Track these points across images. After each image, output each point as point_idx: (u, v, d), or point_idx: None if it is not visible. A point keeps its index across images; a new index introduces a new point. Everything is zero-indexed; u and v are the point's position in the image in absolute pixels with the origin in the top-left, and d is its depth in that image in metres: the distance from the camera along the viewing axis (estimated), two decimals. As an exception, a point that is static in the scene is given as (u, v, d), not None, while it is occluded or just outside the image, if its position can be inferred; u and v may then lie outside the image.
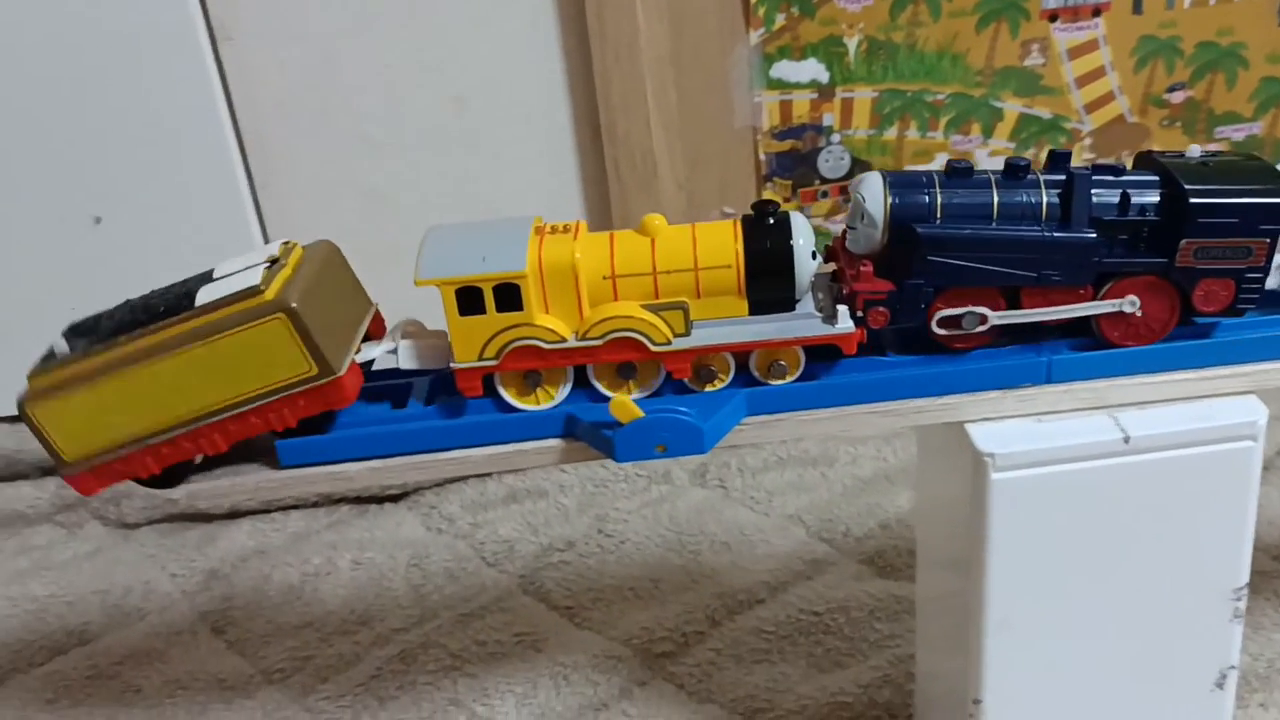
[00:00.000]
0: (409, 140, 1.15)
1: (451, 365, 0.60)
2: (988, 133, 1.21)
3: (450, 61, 1.14)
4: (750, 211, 0.61)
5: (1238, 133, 1.22)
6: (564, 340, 0.60)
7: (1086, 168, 0.60)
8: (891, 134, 1.20)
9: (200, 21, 1.10)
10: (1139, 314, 0.61)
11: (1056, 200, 0.60)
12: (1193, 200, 0.58)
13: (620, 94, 1.11)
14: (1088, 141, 1.22)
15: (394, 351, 0.63)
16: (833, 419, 0.61)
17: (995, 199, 0.60)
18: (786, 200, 1.22)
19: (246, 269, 0.60)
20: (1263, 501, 0.62)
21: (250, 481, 0.61)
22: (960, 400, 0.61)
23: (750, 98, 1.17)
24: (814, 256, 0.60)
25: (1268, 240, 0.59)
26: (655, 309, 0.59)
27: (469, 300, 0.58)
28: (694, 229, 0.60)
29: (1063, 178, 0.60)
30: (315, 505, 1.18)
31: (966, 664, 0.65)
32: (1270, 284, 0.62)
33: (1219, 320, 0.62)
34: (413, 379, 0.65)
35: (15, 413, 1.23)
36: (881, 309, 0.60)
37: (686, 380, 0.61)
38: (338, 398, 0.59)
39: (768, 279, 0.60)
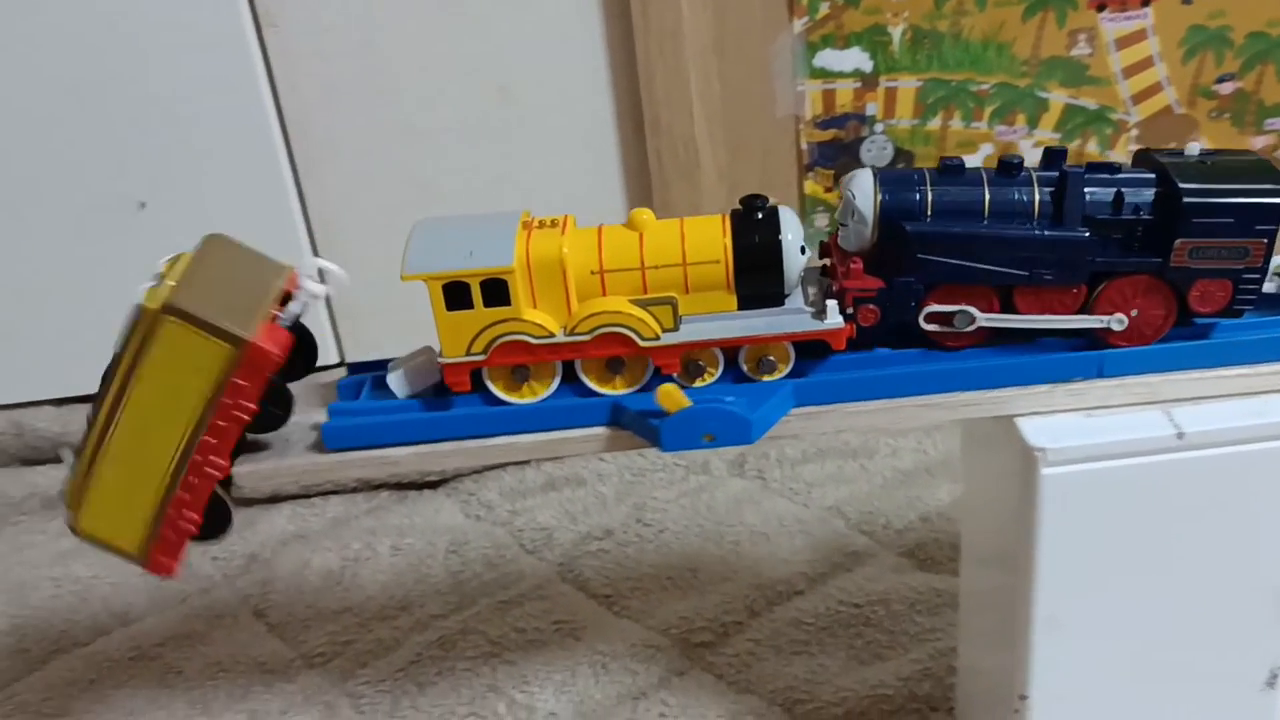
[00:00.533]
0: (452, 129, 1.15)
1: (439, 360, 0.60)
2: (1033, 123, 1.20)
3: (494, 50, 1.13)
4: (740, 206, 0.61)
5: (1288, 125, 1.21)
6: (552, 335, 0.60)
7: (1080, 165, 0.59)
8: (935, 124, 1.19)
9: (245, 9, 1.11)
10: (1133, 315, 0.60)
11: (1049, 198, 0.59)
12: (1187, 199, 0.57)
13: (663, 83, 1.11)
14: (1134, 133, 1.21)
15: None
16: (880, 411, 0.61)
17: (987, 196, 0.59)
18: (828, 190, 1.21)
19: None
20: (1317, 499, 0.61)
21: (297, 465, 0.62)
22: (1010, 394, 0.60)
23: (793, 87, 1.16)
24: (803, 251, 0.60)
25: (1265, 240, 0.58)
26: (643, 304, 0.59)
27: (456, 295, 0.58)
28: (682, 223, 0.60)
29: (1056, 175, 0.59)
30: (354, 491, 1.18)
31: (1013, 660, 0.64)
32: (1268, 288, 0.61)
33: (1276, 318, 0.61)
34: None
35: (59, 395, 1.25)
36: (871, 306, 0.60)
37: (675, 375, 0.61)
38: (266, 361, 0.59)
39: (756, 274, 0.59)
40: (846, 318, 0.60)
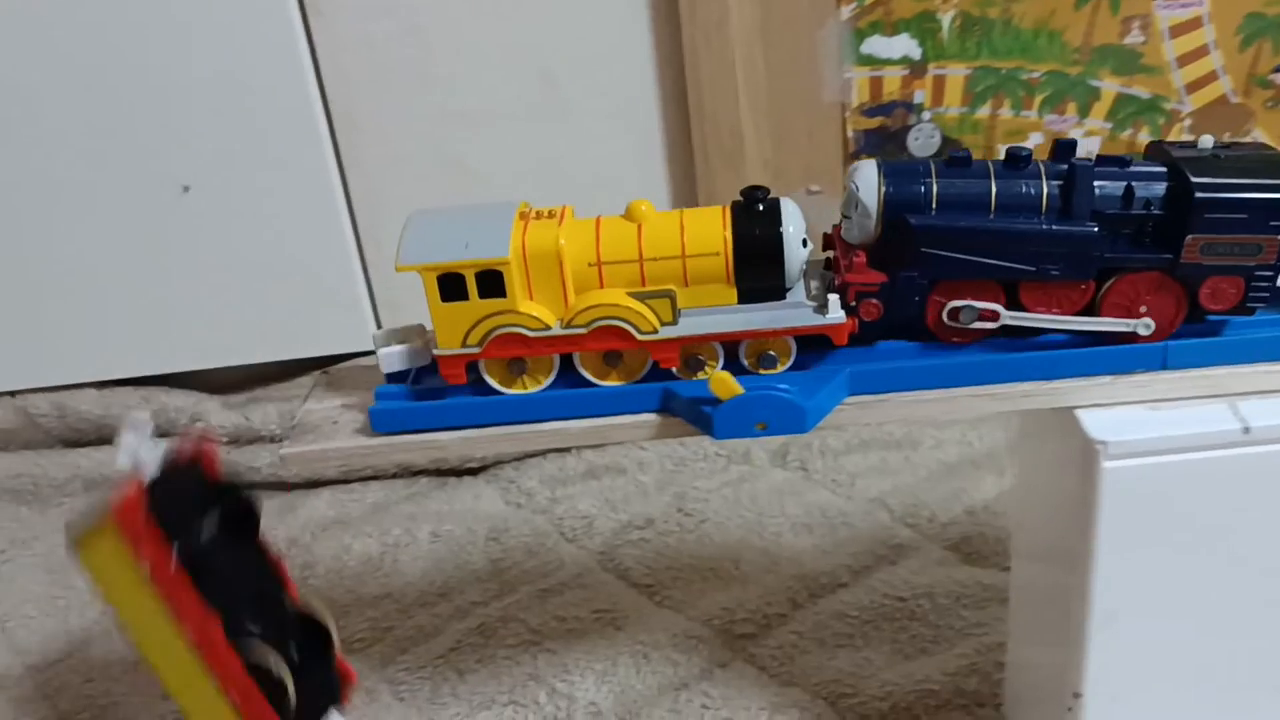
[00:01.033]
0: (496, 115, 1.15)
1: (434, 352, 0.60)
2: (1084, 112, 1.18)
3: (538, 36, 1.13)
4: (741, 198, 0.60)
5: (1346, 116, 1.18)
6: (548, 328, 0.59)
7: (1089, 159, 0.58)
8: (984, 112, 1.17)
9: (291, -6, 1.11)
10: (1143, 311, 0.59)
11: (1057, 192, 0.58)
12: (1199, 194, 0.56)
13: (709, 70, 1.10)
14: (1187, 123, 1.18)
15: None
16: (937, 401, 0.60)
17: (993, 189, 0.58)
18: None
19: None
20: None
21: (343, 448, 0.61)
22: (1070, 385, 0.59)
23: (840, 74, 1.15)
24: (804, 244, 0.59)
25: (1279, 237, 0.56)
26: (641, 296, 0.58)
27: (451, 286, 0.57)
28: (682, 215, 0.59)
29: (1064, 168, 0.58)
30: (394, 477, 1.18)
31: (1067, 656, 0.63)
32: None
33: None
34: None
35: (101, 378, 1.25)
36: (874, 301, 0.59)
37: (675, 369, 0.60)
38: (131, 514, 0.58)
39: (756, 267, 0.58)
40: (849, 312, 0.59)
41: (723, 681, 0.86)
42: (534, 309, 0.59)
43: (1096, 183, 0.58)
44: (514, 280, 0.57)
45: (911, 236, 0.58)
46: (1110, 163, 0.58)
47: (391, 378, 0.63)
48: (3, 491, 1.21)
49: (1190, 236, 0.57)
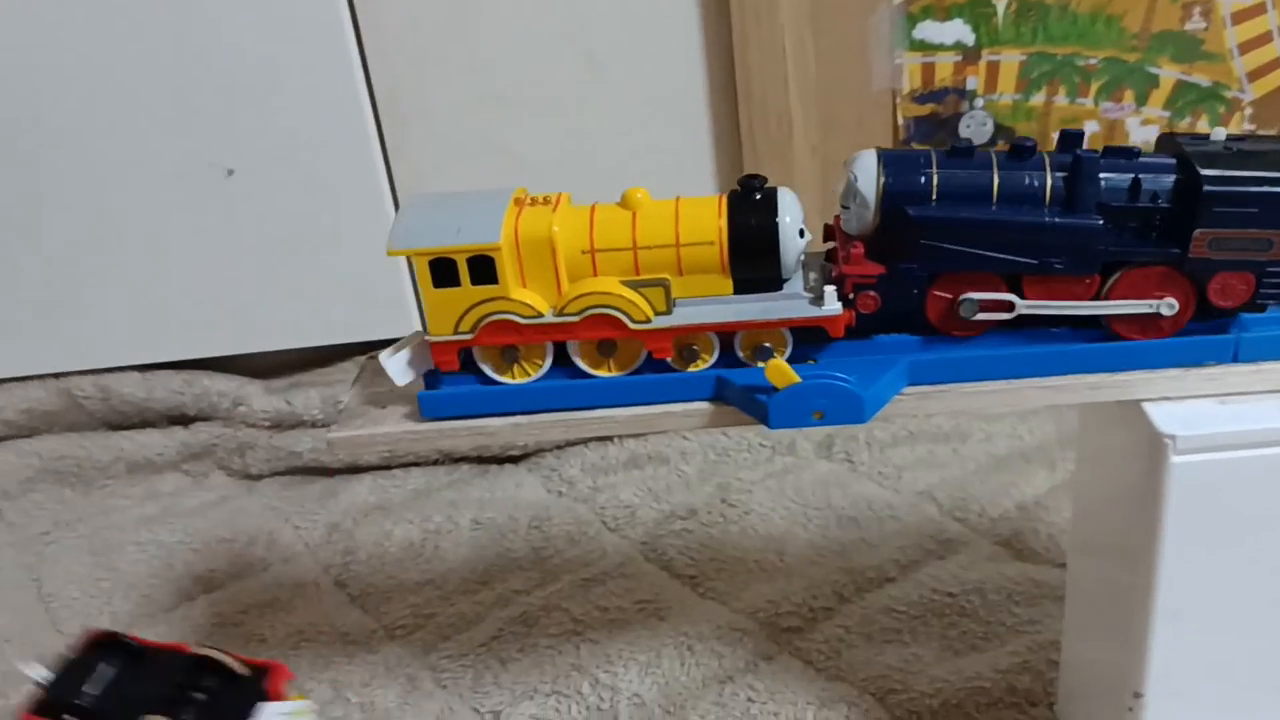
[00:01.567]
0: (541, 100, 1.14)
1: (426, 338, 0.59)
2: (1141, 100, 1.15)
3: (585, 20, 1.11)
4: (738, 186, 0.58)
5: None
6: (541, 315, 0.58)
7: (1096, 150, 0.56)
8: (1039, 99, 1.15)
9: (337, -24, 1.10)
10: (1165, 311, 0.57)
11: (1062, 183, 0.56)
12: (1208, 188, 0.54)
13: (758, 56, 1.08)
14: (1248, 111, 1.16)
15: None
16: (999, 392, 0.58)
17: (996, 180, 0.56)
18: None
19: None
20: None
21: (393, 432, 0.60)
22: (1138, 377, 0.57)
23: (890, 60, 1.13)
24: (801, 234, 0.57)
25: None
26: (635, 285, 0.57)
27: (443, 272, 0.57)
28: (678, 203, 0.58)
29: (1069, 159, 0.56)
30: (436, 463, 1.18)
31: (1128, 655, 0.62)
32: None
33: None
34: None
35: (144, 360, 1.25)
36: (871, 293, 0.57)
37: (669, 360, 0.59)
38: None
39: (752, 257, 0.57)
40: (846, 304, 0.57)
41: (768, 675, 0.85)
42: (526, 296, 0.58)
43: (1103, 175, 0.56)
44: (506, 266, 0.57)
45: (910, 228, 0.56)
46: (1118, 154, 0.57)
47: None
48: (47, 472, 1.22)
49: (1198, 231, 0.55)
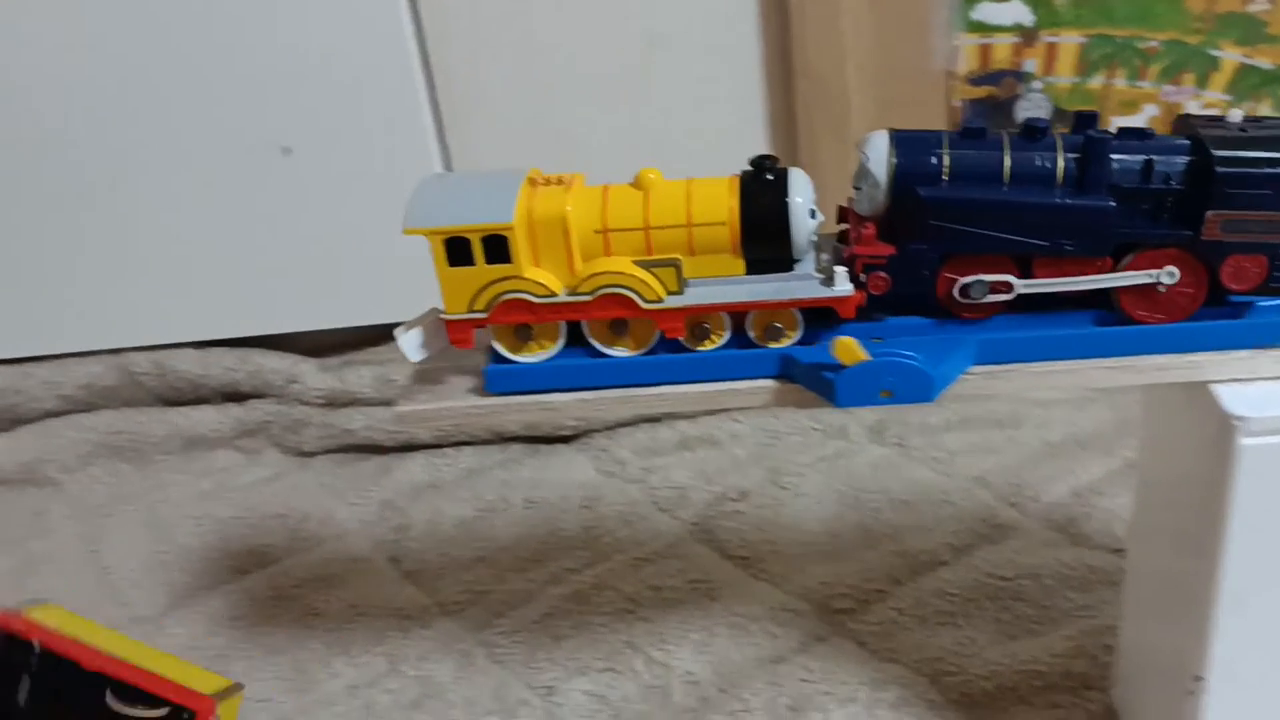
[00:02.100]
0: (598, 79, 1.14)
1: (441, 316, 0.59)
2: (1202, 83, 1.13)
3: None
4: (750, 167, 0.58)
5: None
6: (554, 295, 0.58)
7: (1109, 131, 0.56)
8: (1097, 82, 1.13)
9: (393, -45, 1.10)
10: (1163, 289, 0.57)
11: (1074, 165, 0.56)
12: (1220, 169, 0.54)
13: (815, 34, 1.07)
14: (1312, 96, 1.14)
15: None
16: (1066, 373, 0.58)
17: (1007, 161, 0.56)
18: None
19: None
20: None
21: (458, 407, 0.61)
22: (1207, 359, 0.57)
23: (948, 40, 1.12)
24: (813, 215, 0.57)
25: None
26: (647, 265, 0.58)
27: (458, 251, 0.57)
28: (689, 184, 0.58)
29: (1082, 140, 0.56)
30: (487, 442, 1.18)
31: (1190, 639, 0.61)
32: None
33: None
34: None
35: (200, 338, 1.27)
36: (882, 274, 0.57)
37: (681, 339, 0.59)
38: None
39: (763, 237, 0.57)
40: (857, 284, 0.57)
41: (821, 655, 0.85)
42: (540, 275, 0.58)
43: (1115, 156, 0.56)
44: (519, 246, 0.57)
45: (920, 208, 0.56)
46: (1131, 135, 0.56)
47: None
48: (104, 447, 1.23)
49: (1211, 213, 0.55)
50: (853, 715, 0.79)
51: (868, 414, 1.14)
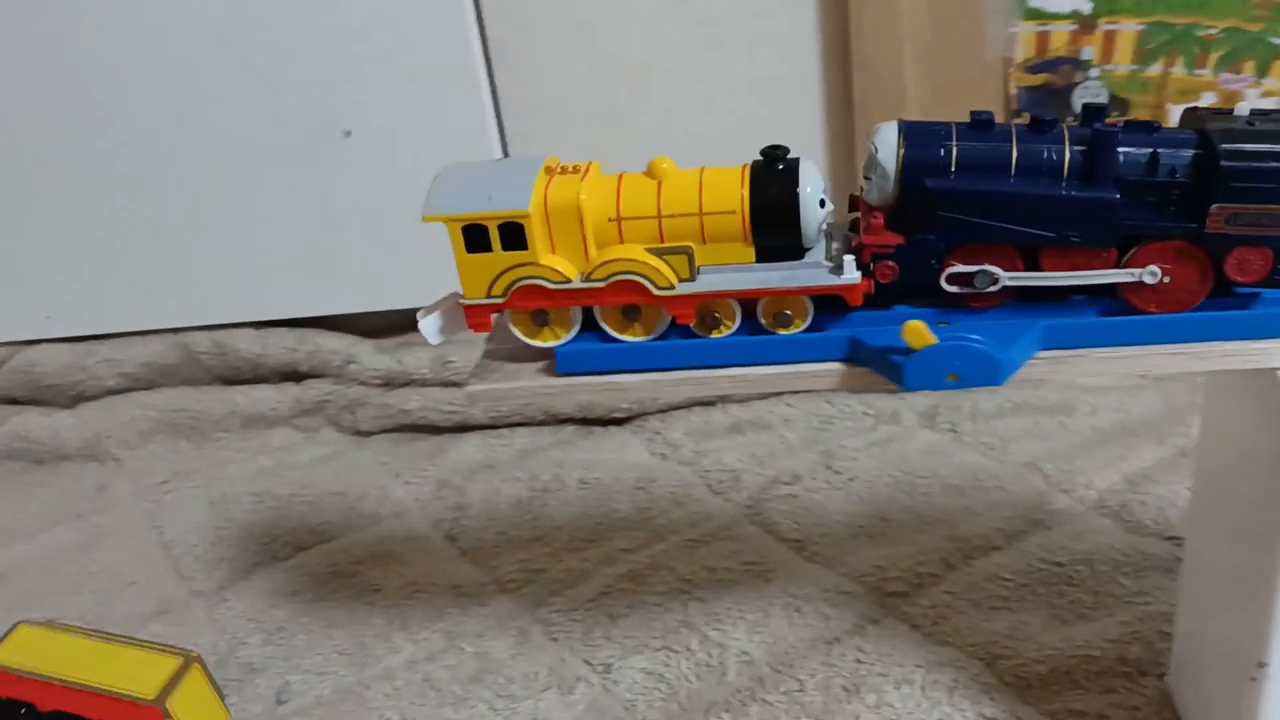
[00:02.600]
0: (653, 62, 1.14)
1: (459, 301, 0.61)
2: (1262, 72, 1.13)
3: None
4: (761, 156, 0.59)
5: None
6: (568, 281, 0.60)
7: (1115, 124, 0.57)
8: (1155, 70, 1.13)
9: (453, -61, 1.11)
10: (1166, 281, 0.58)
11: (1081, 157, 0.56)
12: (1225, 162, 0.54)
13: (873, 19, 1.08)
14: (1373, 84, 1.13)
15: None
16: (1133, 358, 0.58)
17: (1015, 153, 0.57)
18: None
19: None
20: None
21: (528, 387, 0.62)
22: (1275, 345, 0.57)
23: (1005, 28, 1.12)
24: (822, 204, 0.58)
25: None
26: (660, 253, 0.59)
27: (475, 237, 0.59)
28: (702, 173, 0.60)
29: (1089, 133, 0.56)
30: (541, 424, 1.20)
31: (1252, 627, 0.61)
32: None
33: None
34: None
35: (259, 317, 1.29)
36: (890, 263, 0.58)
37: (692, 325, 0.61)
38: None
39: (773, 226, 0.59)
40: (866, 273, 0.58)
41: (875, 637, 0.86)
42: (555, 262, 0.60)
43: (1121, 149, 0.56)
44: (535, 233, 0.59)
45: (928, 199, 0.57)
46: (1138, 128, 0.57)
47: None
48: (164, 424, 1.26)
49: (1215, 206, 0.55)
50: (908, 697, 0.80)
51: (920, 399, 1.14)
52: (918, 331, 0.56)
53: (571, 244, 0.60)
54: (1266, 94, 1.13)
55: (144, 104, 1.18)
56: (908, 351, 0.56)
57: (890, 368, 0.57)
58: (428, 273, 1.21)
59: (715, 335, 0.61)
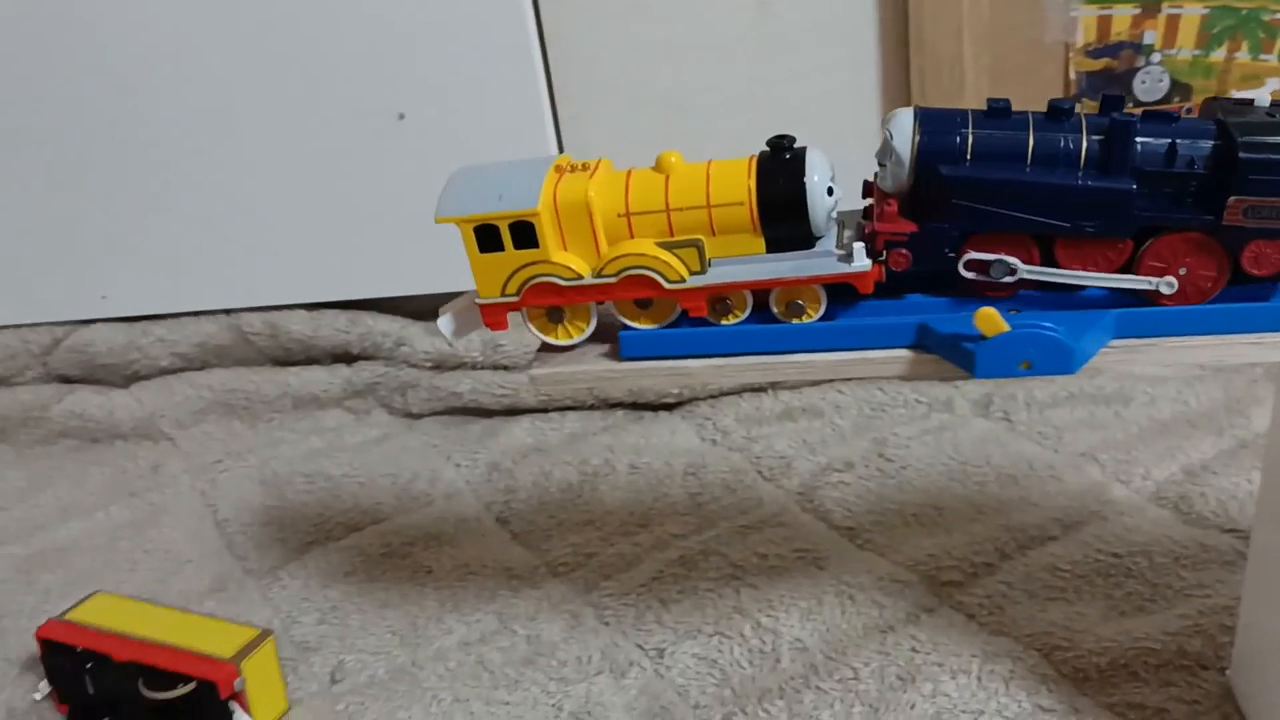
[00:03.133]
0: (709, 46, 1.13)
1: (476, 300, 0.62)
2: (1329, 57, 1.11)
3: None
4: (767, 147, 0.59)
5: None
6: (581, 277, 0.60)
7: (1134, 114, 0.55)
8: (1219, 55, 1.11)
9: (508, -78, 1.11)
10: (1182, 273, 0.57)
11: (1098, 147, 0.55)
12: (1244, 154, 0.53)
13: (932, 3, 1.06)
14: None
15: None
16: (1208, 347, 0.57)
17: (1031, 141, 0.56)
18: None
19: None
20: None
21: (593, 370, 0.62)
22: (1354, 336, 0.56)
23: (1065, 11, 1.10)
24: (830, 193, 0.58)
25: None
26: (670, 246, 0.59)
27: (487, 237, 0.60)
28: (709, 166, 0.60)
29: (1107, 122, 0.55)
30: (591, 408, 1.20)
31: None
32: None
33: None
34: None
35: (311, 299, 1.29)
36: (903, 251, 0.58)
37: (705, 316, 0.61)
38: None
39: (781, 216, 0.59)
40: (878, 260, 0.58)
41: (930, 627, 0.85)
42: (567, 259, 0.60)
43: (1140, 139, 0.56)
44: (546, 231, 0.59)
45: (942, 187, 0.57)
46: (1157, 119, 0.56)
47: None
48: (217, 404, 1.27)
49: (1233, 198, 0.55)
50: (964, 687, 0.79)
51: (974, 387, 1.13)
52: (990, 319, 0.55)
53: (583, 241, 0.60)
54: (1333, 80, 1.11)
55: (200, 86, 1.19)
56: (979, 339, 0.56)
57: (961, 355, 0.57)
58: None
59: (727, 322, 0.61)
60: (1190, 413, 1.07)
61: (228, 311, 1.29)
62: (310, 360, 1.28)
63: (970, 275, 0.58)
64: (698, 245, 0.59)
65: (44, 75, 1.20)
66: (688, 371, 0.61)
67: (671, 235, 0.60)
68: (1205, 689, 0.77)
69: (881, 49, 1.12)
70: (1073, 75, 1.13)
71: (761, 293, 0.61)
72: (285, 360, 1.29)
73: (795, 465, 1.06)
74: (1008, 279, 0.58)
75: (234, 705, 0.78)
